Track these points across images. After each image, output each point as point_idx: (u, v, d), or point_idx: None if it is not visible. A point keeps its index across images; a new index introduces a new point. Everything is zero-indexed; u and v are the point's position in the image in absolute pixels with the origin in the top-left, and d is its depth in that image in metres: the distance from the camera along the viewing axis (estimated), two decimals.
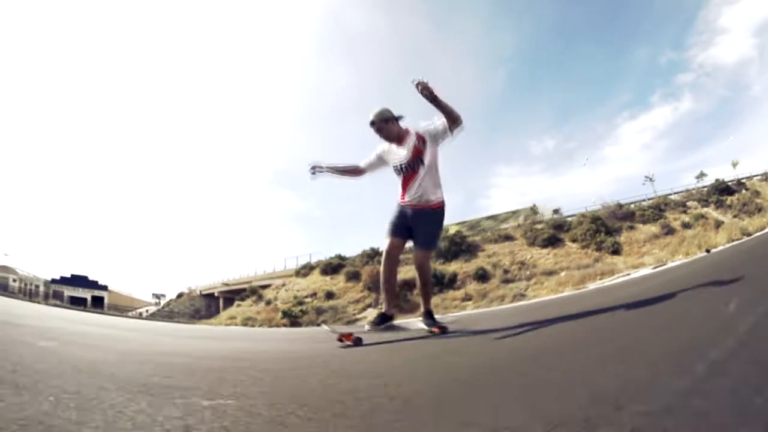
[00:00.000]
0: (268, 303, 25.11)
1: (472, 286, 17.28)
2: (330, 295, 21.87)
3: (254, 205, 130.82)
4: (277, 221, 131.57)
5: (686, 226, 17.72)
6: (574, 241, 19.04)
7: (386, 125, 3.67)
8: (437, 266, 19.48)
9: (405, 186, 3.68)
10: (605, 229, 18.63)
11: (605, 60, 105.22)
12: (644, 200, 22.49)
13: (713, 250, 13.95)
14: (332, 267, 25.94)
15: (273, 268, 41.32)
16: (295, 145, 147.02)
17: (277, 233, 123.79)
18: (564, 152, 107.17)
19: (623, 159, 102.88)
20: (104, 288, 50.22)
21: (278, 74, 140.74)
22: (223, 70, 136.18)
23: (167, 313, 44.42)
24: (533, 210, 23.72)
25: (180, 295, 51.71)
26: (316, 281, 25.72)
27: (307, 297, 23.29)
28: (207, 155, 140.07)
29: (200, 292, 51.05)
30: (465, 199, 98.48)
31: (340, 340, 3.17)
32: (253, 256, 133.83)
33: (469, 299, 16.30)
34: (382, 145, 3.80)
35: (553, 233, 19.81)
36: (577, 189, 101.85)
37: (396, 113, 3.75)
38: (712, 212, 18.85)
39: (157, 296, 58.33)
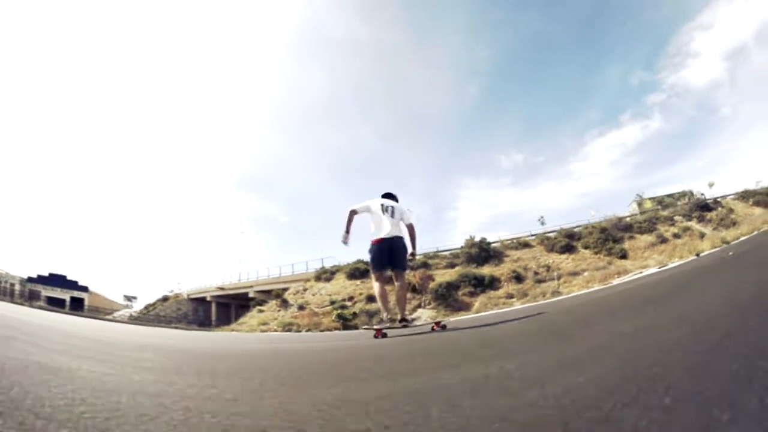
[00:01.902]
0: (302, 308, 27.59)
1: (511, 286, 21.55)
2: (371, 298, 25.18)
3: (220, 209, 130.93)
4: (243, 225, 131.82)
5: (676, 236, 23.02)
6: (586, 248, 23.85)
7: None
8: (473, 270, 23.67)
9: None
10: (612, 238, 23.64)
11: (577, 78, 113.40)
12: (637, 214, 28.02)
13: (702, 254, 18.86)
14: (360, 271, 29.25)
15: (279, 272, 43.06)
16: (263, 149, 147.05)
17: (243, 238, 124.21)
18: (532, 166, 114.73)
19: (591, 175, 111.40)
20: (84, 289, 49.91)
21: (250, 76, 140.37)
22: (201, 69, 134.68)
23: (153, 317, 45.02)
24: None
25: (165, 299, 52.32)
26: (346, 285, 28.67)
27: (344, 300, 26.42)
28: (173, 157, 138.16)
29: (188, 295, 51.70)
30: (432, 209, 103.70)
31: (375, 336, 5.31)
32: (219, 262, 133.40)
33: (512, 297, 20.50)
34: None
35: (568, 241, 24.57)
36: (544, 203, 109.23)
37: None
38: (695, 225, 24.36)
39: (129, 298, 58.28)
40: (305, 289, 31.69)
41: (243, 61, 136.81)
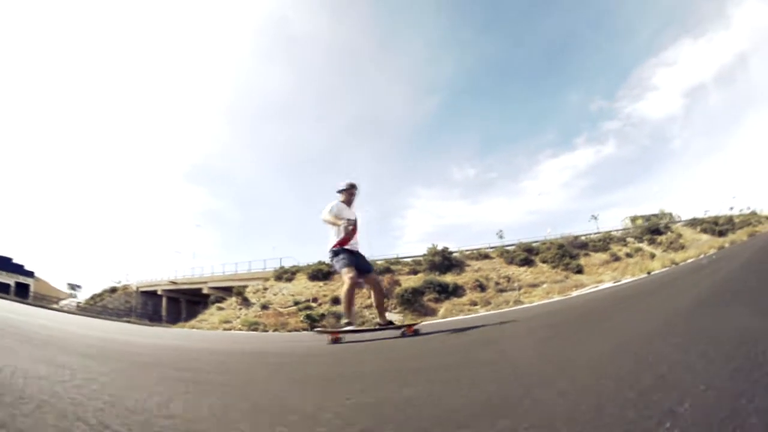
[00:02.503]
0: (265, 307, 27.14)
1: (474, 294, 22.14)
2: (336, 301, 25.19)
3: (169, 201, 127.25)
4: (192, 219, 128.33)
5: (629, 255, 24.45)
6: (544, 262, 24.86)
7: (355, 192, 5.96)
8: (436, 277, 24.14)
9: (351, 236, 5.58)
10: (569, 254, 24.74)
11: (537, 99, 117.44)
12: (591, 234, 29.50)
13: (652, 273, 20.06)
14: (323, 273, 29.23)
15: (235, 269, 42.41)
16: (214, 141, 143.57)
17: (196, 232, 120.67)
18: (484, 181, 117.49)
19: (540, 193, 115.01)
20: (30, 274, 46.59)
21: (209, 64, 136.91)
22: (160, 53, 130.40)
23: (101, 308, 42.81)
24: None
25: (113, 290, 50.23)
26: (308, 286, 28.51)
27: (308, 301, 26.28)
28: (120, 140, 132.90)
29: (137, 288, 49.97)
30: (380, 215, 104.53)
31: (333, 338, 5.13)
32: (168, 255, 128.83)
33: (476, 304, 21.07)
34: (339, 204, 5.74)
35: (526, 255, 25.51)
36: (492, 218, 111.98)
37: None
38: (646, 247, 25.95)
39: (73, 287, 54.87)
40: (266, 288, 31.25)
41: (203, 48, 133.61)
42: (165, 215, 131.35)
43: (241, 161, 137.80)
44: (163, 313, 46.46)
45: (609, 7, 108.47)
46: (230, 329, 21.98)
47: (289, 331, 19.79)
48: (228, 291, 40.89)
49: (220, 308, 29.83)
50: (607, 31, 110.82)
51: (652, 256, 23.60)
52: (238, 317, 25.34)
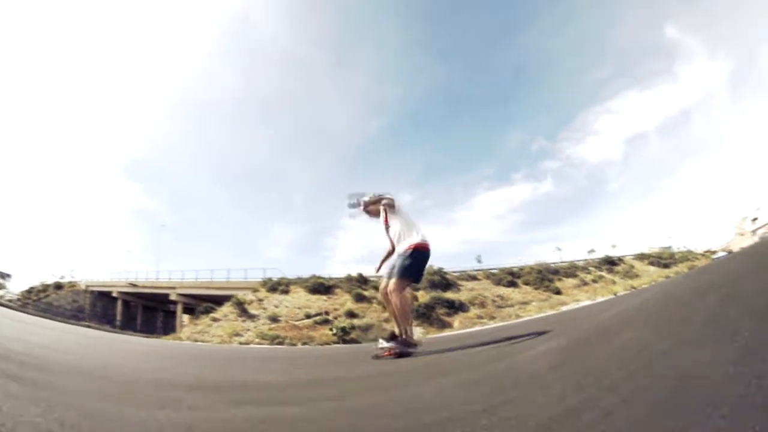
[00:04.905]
0: (274, 320, 27.19)
1: (478, 310, 25.93)
2: (351, 314, 26.83)
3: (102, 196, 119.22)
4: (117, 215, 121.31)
5: (594, 281, 29.69)
6: (527, 284, 29.32)
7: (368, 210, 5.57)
8: (441, 294, 27.61)
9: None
10: (547, 278, 29.48)
11: (481, 133, 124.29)
12: (558, 262, 34.80)
13: (618, 294, 25.00)
14: (325, 287, 31.13)
15: (211, 277, 41.52)
16: (154, 137, 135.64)
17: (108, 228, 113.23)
18: (419, 209, 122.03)
19: (474, 224, 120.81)
20: None
21: (155, 50, 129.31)
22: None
23: (45, 306, 40.00)
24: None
25: (59, 287, 46.34)
26: (312, 299, 30.05)
27: (319, 315, 27.67)
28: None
29: (86, 287, 46.44)
30: (312, 233, 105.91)
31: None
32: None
33: (482, 318, 24.83)
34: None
35: (511, 278, 29.89)
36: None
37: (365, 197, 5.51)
38: (606, 275, 31.42)
39: (2, 275, 47.82)
40: (260, 300, 31.21)
41: (152, 33, 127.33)
42: (102, 212, 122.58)
43: (180, 162, 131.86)
44: (118, 317, 44.35)
45: (562, 50, 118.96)
46: (247, 343, 21.10)
47: (320, 344, 19.41)
48: (201, 299, 40.28)
49: (215, 319, 28.74)
50: (557, 73, 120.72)
51: (614, 282, 28.99)
52: (248, 330, 24.84)
